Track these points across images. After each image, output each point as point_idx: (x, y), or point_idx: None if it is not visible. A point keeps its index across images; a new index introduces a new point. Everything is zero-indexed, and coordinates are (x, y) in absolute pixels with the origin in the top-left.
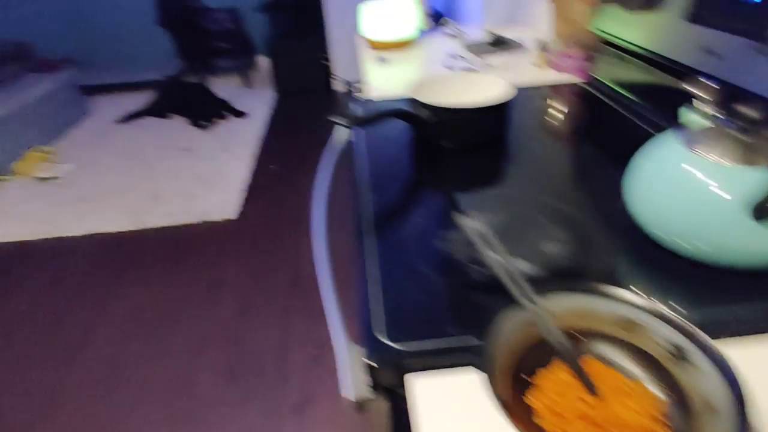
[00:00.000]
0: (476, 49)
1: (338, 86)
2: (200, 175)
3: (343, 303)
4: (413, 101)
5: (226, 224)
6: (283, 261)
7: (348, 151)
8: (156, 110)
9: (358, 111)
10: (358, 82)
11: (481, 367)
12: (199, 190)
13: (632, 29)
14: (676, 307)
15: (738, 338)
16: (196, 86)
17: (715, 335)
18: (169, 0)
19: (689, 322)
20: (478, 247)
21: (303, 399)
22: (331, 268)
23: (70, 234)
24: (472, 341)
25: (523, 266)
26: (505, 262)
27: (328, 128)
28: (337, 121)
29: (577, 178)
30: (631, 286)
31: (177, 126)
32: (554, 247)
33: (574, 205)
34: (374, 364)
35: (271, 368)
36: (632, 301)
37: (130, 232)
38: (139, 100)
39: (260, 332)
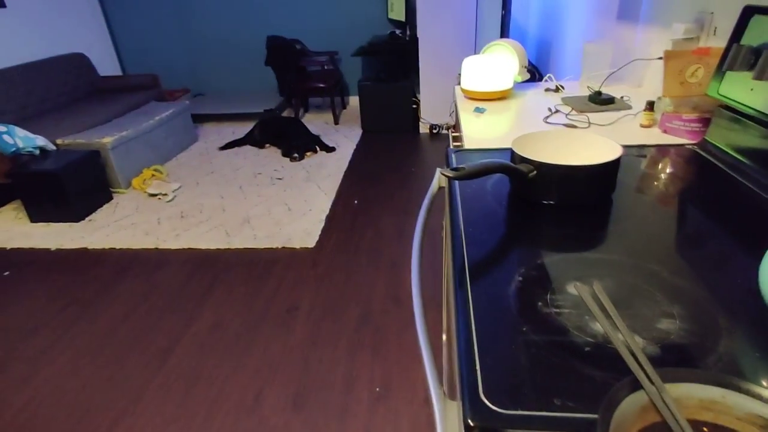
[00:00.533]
0: (576, 104)
1: (425, 128)
2: (287, 204)
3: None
4: (514, 154)
5: (304, 252)
6: (356, 295)
7: (448, 201)
8: (254, 140)
9: (463, 161)
10: (445, 126)
11: None
12: (284, 218)
13: (757, 96)
14: None
15: None
16: (292, 120)
17: None
18: (278, 44)
19: None
20: (592, 315)
21: None
22: (424, 314)
23: (168, 247)
24: (580, 416)
25: (636, 341)
26: (625, 338)
27: (410, 168)
28: (445, 173)
29: (689, 248)
30: (759, 374)
31: (271, 156)
32: (669, 324)
33: (687, 277)
34: (471, 423)
35: (335, 401)
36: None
37: (219, 250)
38: (241, 130)
39: (328, 363)
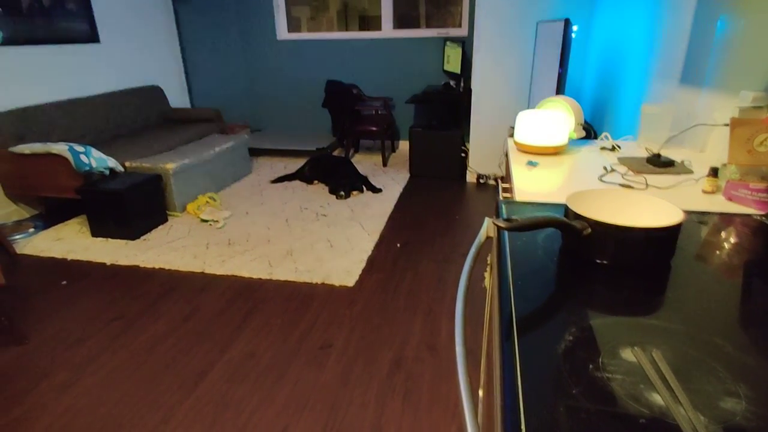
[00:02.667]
0: (633, 164)
1: (472, 177)
2: (330, 240)
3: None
4: (569, 210)
5: (343, 290)
6: (391, 339)
7: (497, 252)
8: (304, 176)
9: (514, 213)
10: (493, 176)
11: None
12: (326, 254)
13: None
14: None
15: None
16: (342, 160)
17: None
18: (335, 87)
19: None
20: (650, 383)
21: None
22: (466, 364)
23: (213, 272)
24: None
25: (700, 419)
26: (685, 410)
27: (454, 216)
28: (498, 224)
29: (755, 324)
30: None
31: (319, 192)
32: (735, 404)
33: (754, 355)
34: None
35: None
36: None
37: (261, 280)
38: (293, 165)
39: (357, 406)
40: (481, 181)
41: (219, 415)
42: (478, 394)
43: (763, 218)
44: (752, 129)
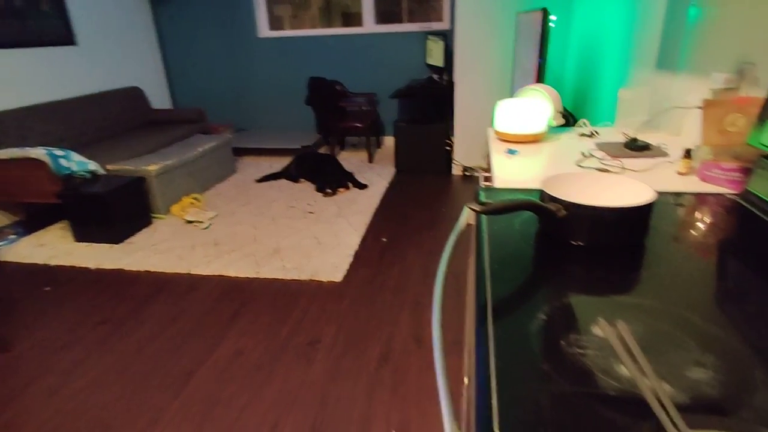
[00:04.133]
0: (610, 149)
1: (457, 170)
2: (317, 237)
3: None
4: (544, 194)
5: (331, 286)
6: (378, 332)
7: (474, 238)
8: (290, 175)
9: (492, 199)
10: (478, 168)
11: None
12: (313, 251)
13: None
14: None
15: None
16: (328, 157)
17: None
18: (318, 84)
19: None
20: (617, 357)
21: None
22: (443, 350)
23: (200, 272)
24: None
25: (666, 390)
26: (651, 383)
27: (440, 209)
28: (472, 207)
29: (725, 298)
30: None
31: (305, 190)
32: (701, 374)
33: (723, 327)
34: None
35: None
36: None
37: (248, 278)
38: (278, 164)
39: (346, 400)
40: (467, 173)
41: (208, 414)
42: (463, 381)
43: (736, 197)
44: (724, 110)
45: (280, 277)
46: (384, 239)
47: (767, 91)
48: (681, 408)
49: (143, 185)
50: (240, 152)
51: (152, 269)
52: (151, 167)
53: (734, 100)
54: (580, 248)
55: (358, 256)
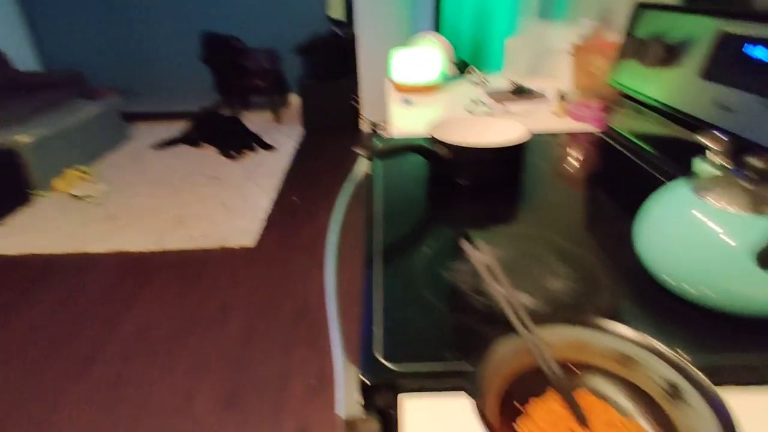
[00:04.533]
0: (498, 96)
1: (365, 126)
2: (224, 203)
3: (348, 328)
4: (432, 139)
5: (242, 251)
6: (293, 291)
7: (366, 184)
8: (190, 139)
9: (380, 144)
10: (384, 122)
11: (471, 392)
12: (221, 217)
13: (649, 84)
14: (680, 351)
15: (740, 387)
16: (230, 119)
17: (717, 382)
18: (213, 40)
19: (690, 363)
20: (483, 278)
21: (300, 429)
22: (337, 291)
23: (94, 251)
24: (467, 366)
25: (527, 299)
26: (507, 293)
27: (350, 165)
28: (359, 151)
29: (589, 222)
30: (631, 324)
31: (208, 155)
32: (559, 284)
33: (583, 246)
34: (367, 381)
35: (270, 396)
36: (630, 336)
37: (151, 252)
38: (176, 128)
39: (263, 360)
40: (375, 129)
41: (117, 394)
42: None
43: (601, 134)
44: (589, 54)
45: (186, 248)
46: (295, 200)
47: (623, 36)
48: (538, 312)
49: (14, 159)
50: (132, 118)
51: (39, 251)
52: (22, 138)
53: (597, 45)
54: (466, 187)
55: (269, 219)
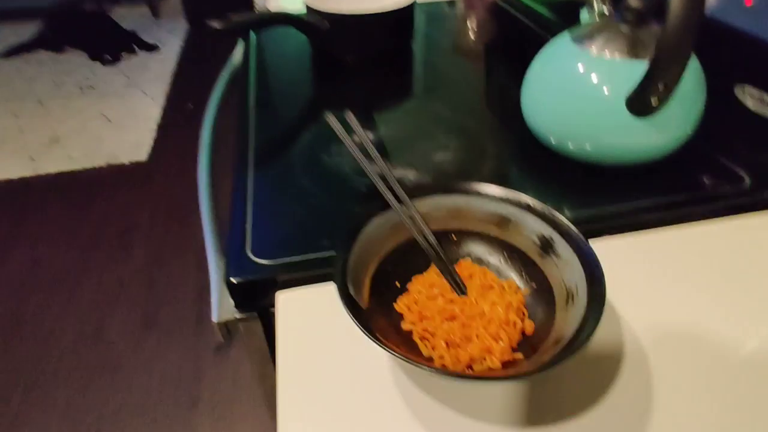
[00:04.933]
0: None
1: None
2: (106, 116)
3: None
4: (308, 9)
5: (135, 167)
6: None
7: (241, 70)
8: (49, 43)
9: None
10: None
11: (333, 276)
12: (104, 132)
13: None
14: (565, 210)
15: (616, 235)
16: (96, 15)
17: (594, 233)
18: None
19: (569, 220)
20: (354, 155)
21: (220, 343)
22: (215, 192)
23: None
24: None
25: (412, 174)
26: (379, 169)
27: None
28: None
29: (482, 93)
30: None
31: (76, 61)
32: (446, 156)
33: (474, 117)
34: (233, 281)
35: (190, 313)
36: (503, 196)
37: (26, 179)
38: (27, 30)
39: (178, 278)
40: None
41: (15, 334)
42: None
43: (499, 1)
44: None
45: (66, 170)
46: (190, 105)
47: None
48: (414, 184)
49: None
50: None
51: None
52: None
53: None
54: (352, 63)
55: (162, 128)
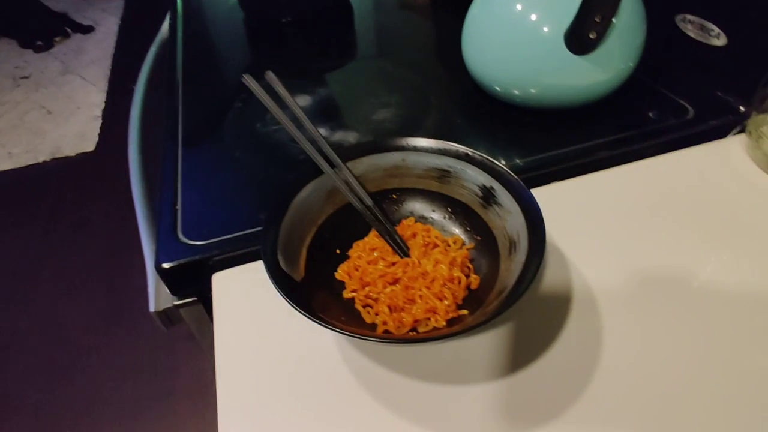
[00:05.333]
0: None
1: None
2: (44, 107)
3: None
4: None
5: (83, 159)
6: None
7: (169, 42)
8: None
9: None
10: None
11: (261, 251)
12: (44, 124)
13: None
14: (516, 159)
15: (568, 179)
16: None
17: (548, 179)
18: None
19: (515, 168)
20: (280, 120)
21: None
22: (145, 176)
23: None
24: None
25: (352, 137)
26: (310, 132)
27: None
28: None
29: (428, 46)
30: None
31: (5, 50)
32: (386, 114)
33: (418, 72)
34: (165, 266)
35: None
36: (437, 148)
37: None
38: None
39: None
40: None
41: None
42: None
43: None
44: None
45: (7, 168)
46: (132, 86)
47: None
48: (350, 147)
49: None
50: None
51: None
52: None
53: None
54: (290, 24)
55: (107, 115)
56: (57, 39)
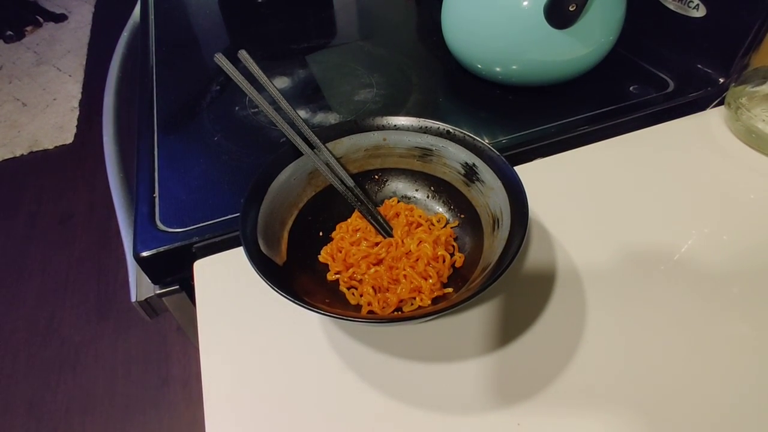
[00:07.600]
0: None
1: None
2: (19, 99)
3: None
4: None
5: (62, 151)
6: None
7: (141, 27)
8: None
9: None
10: None
11: (241, 235)
12: (20, 117)
13: None
14: (500, 137)
15: (552, 156)
16: None
17: (532, 155)
18: None
19: (495, 144)
20: (256, 101)
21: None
22: (121, 165)
23: None
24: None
25: (332, 117)
26: (288, 113)
27: None
28: None
29: (410, 25)
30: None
31: None
32: (367, 94)
33: (400, 52)
34: (144, 255)
35: None
36: (418, 126)
37: None
38: None
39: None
40: None
41: None
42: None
43: None
44: None
45: None
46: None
47: None
48: (329, 127)
49: None
50: None
51: None
52: None
53: None
54: (266, 4)
55: (85, 106)
56: (28, 29)
